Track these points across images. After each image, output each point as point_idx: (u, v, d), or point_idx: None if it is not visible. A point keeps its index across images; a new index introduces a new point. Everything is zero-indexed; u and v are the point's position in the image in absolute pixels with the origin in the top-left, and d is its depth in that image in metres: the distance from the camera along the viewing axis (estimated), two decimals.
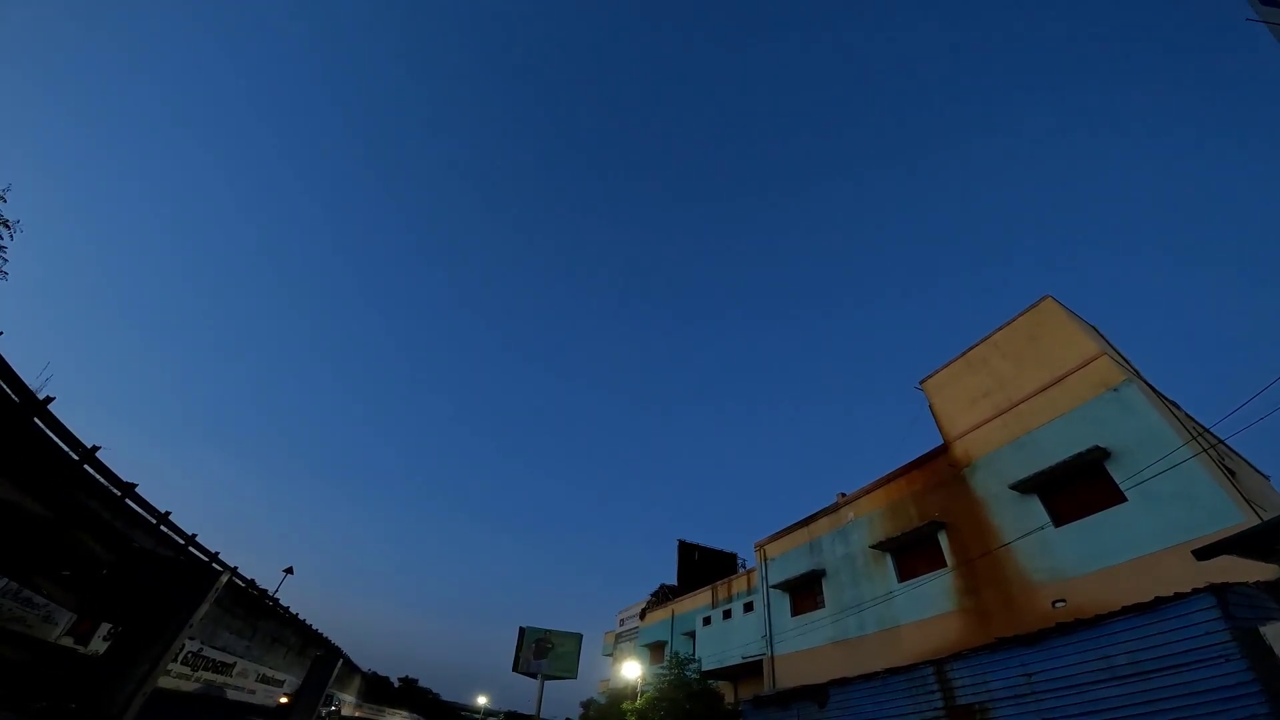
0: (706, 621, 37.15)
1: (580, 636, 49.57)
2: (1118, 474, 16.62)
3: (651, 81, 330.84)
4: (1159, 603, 10.64)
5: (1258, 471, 20.88)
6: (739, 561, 54.65)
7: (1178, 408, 19.24)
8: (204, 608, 18.34)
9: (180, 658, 20.53)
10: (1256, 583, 10.65)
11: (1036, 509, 18.45)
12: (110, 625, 20.45)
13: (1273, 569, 11.19)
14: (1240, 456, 19.85)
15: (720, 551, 55.17)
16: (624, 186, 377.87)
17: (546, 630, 48.64)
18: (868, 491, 26.34)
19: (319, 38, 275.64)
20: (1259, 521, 12.74)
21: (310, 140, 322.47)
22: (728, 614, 35.25)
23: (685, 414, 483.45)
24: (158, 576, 17.96)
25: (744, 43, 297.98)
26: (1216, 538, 11.01)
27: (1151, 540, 15.24)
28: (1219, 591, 9.91)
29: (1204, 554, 10.35)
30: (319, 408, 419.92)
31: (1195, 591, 10.24)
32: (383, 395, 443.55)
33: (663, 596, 52.62)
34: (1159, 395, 18.55)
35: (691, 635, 39.54)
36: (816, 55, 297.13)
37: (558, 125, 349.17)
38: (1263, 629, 9.23)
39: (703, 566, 51.79)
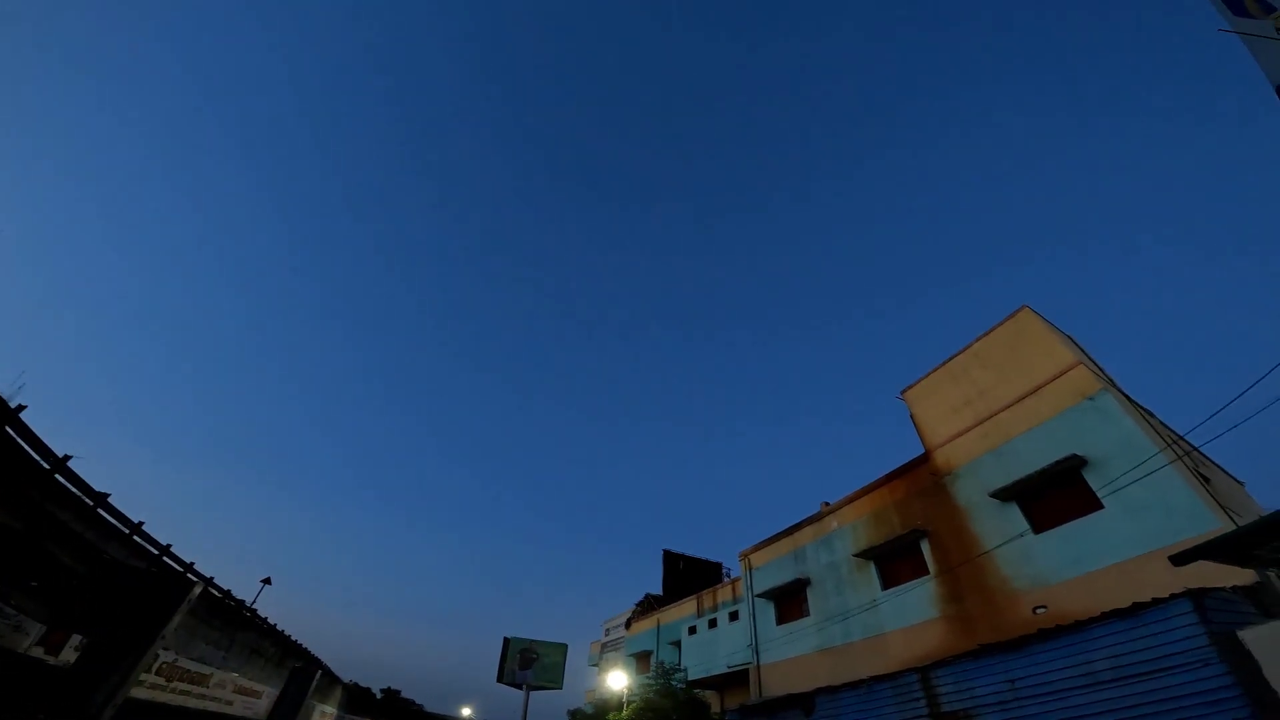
0: (692, 631, 37.11)
1: (566, 647, 49.06)
2: (1095, 481, 16.88)
3: (621, 86, 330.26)
4: (1138, 608, 10.81)
5: (1232, 478, 21.31)
6: (724, 571, 54.65)
7: (1152, 416, 19.61)
8: (176, 619, 18.04)
9: (155, 668, 20.10)
10: (1233, 588, 10.85)
11: (1016, 516, 18.67)
12: (81, 637, 19.97)
13: (1249, 574, 11.39)
14: (1214, 463, 20.25)
15: (705, 561, 55.14)
16: (609, 199, 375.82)
17: (531, 640, 48.11)
18: (851, 500, 26.49)
19: (283, 31, 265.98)
20: (1234, 527, 12.98)
21: (269, 139, 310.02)
22: (713, 623, 35.23)
23: (669, 427, 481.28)
24: (129, 587, 17.61)
25: (712, 43, 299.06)
26: (1192, 543, 11.18)
27: (1129, 546, 15.48)
28: (1196, 597, 10.10)
29: (1180, 560, 10.51)
30: (298, 418, 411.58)
31: (1173, 597, 10.42)
32: (365, 411, 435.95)
33: (648, 606, 52.43)
34: (1134, 404, 18.90)
35: (677, 644, 39.43)
36: (779, 60, 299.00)
37: (531, 131, 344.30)
38: (1241, 633, 9.39)
39: (688, 576, 51.71)
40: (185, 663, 22.20)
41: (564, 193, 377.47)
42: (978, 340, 23.22)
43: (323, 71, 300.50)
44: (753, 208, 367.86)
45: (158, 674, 20.38)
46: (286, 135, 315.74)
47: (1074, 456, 17.24)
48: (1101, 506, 16.53)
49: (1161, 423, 19.60)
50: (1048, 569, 17.25)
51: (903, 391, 26.26)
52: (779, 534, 30.54)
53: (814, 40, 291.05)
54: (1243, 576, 11.76)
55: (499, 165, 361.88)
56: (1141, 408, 19.26)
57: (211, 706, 24.45)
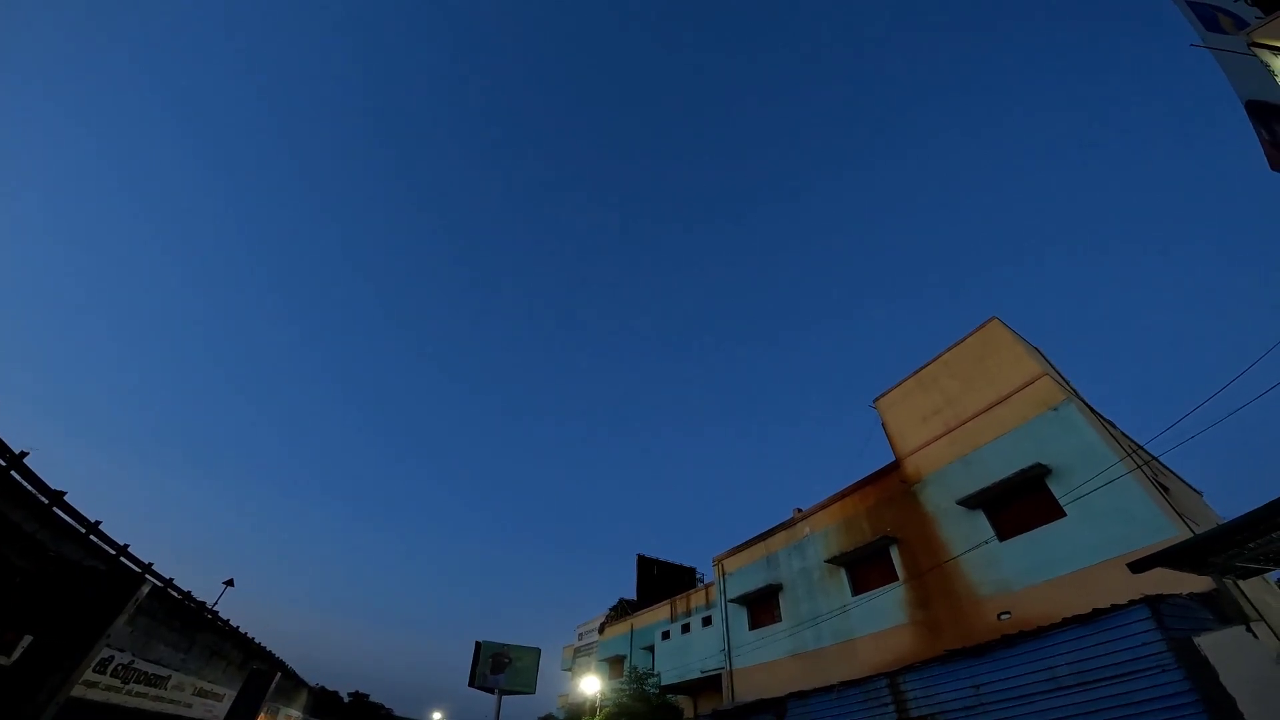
0: (665, 635, 37.03)
1: (538, 651, 48.80)
2: (1057, 490, 17.24)
3: (598, 90, 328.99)
4: (1097, 614, 11.05)
5: (1190, 487, 21.93)
6: (697, 576, 54.72)
7: (1114, 426, 20.13)
8: (122, 618, 17.65)
9: (110, 670, 19.49)
10: (1190, 594, 11.15)
11: (982, 524, 18.99)
12: (32, 637, 19.36)
13: (1206, 581, 11.70)
14: (1173, 473, 20.83)
15: (679, 566, 55.12)
16: (579, 204, 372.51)
17: (504, 644, 47.73)
18: (823, 507, 26.73)
19: (249, 23, 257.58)
20: (1191, 535, 13.35)
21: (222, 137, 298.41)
22: (686, 628, 35.21)
23: (644, 435, 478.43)
24: (77, 586, 17.20)
25: (685, 47, 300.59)
26: (1151, 551, 11.47)
27: (1090, 553, 15.82)
28: (1154, 603, 10.35)
29: (1138, 567, 10.76)
30: (264, 422, 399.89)
31: (1131, 603, 10.66)
32: (331, 416, 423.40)
33: (622, 611, 52.27)
34: (1096, 414, 19.37)
35: (650, 649, 39.31)
36: (754, 72, 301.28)
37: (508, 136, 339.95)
38: (1197, 639, 9.62)
39: (661, 581, 51.65)
40: (142, 664, 21.58)
41: (535, 198, 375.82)
42: (948, 350, 23.63)
43: (291, 65, 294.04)
44: (721, 215, 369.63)
45: (113, 675, 19.78)
46: (251, 131, 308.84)
47: (1038, 465, 17.59)
48: (1064, 514, 16.88)
49: (1122, 433, 20.13)
50: (1012, 575, 17.56)
51: (875, 400, 26.60)
52: (752, 540, 30.68)
53: (784, 55, 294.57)
54: (1200, 584, 12.08)
55: (474, 170, 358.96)
56: (1103, 418, 19.75)
57: (169, 709, 23.78)
